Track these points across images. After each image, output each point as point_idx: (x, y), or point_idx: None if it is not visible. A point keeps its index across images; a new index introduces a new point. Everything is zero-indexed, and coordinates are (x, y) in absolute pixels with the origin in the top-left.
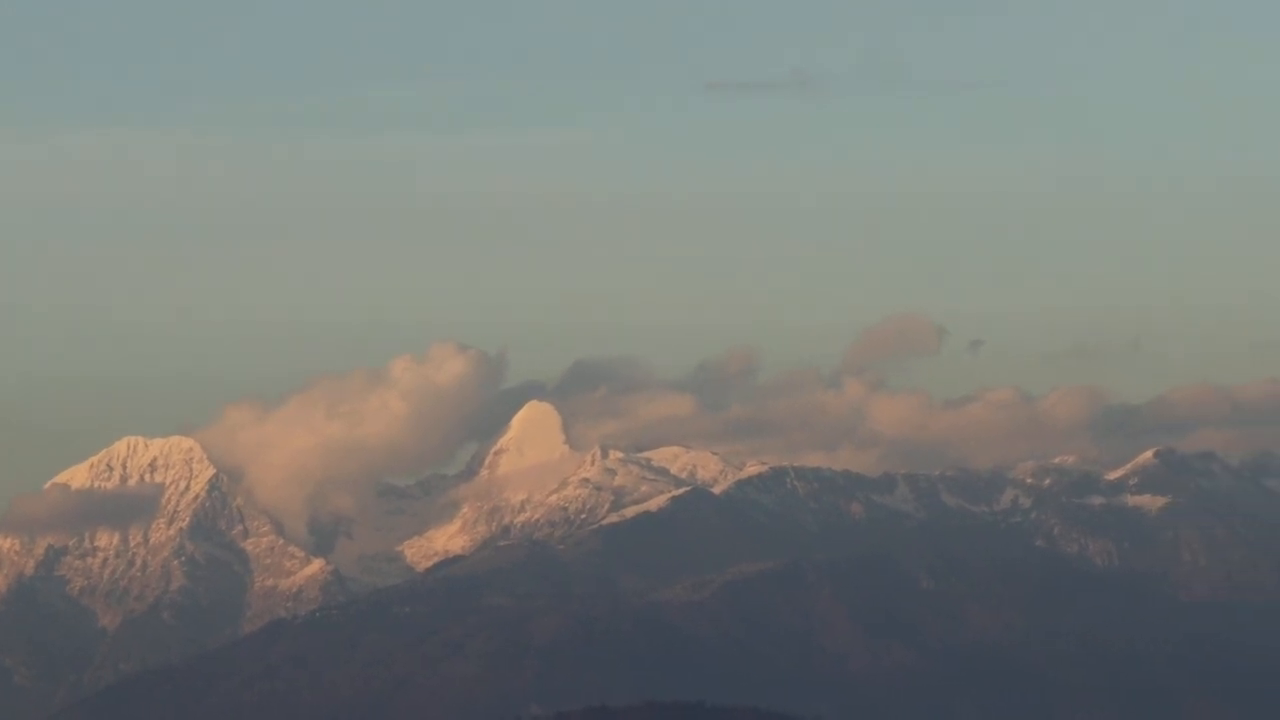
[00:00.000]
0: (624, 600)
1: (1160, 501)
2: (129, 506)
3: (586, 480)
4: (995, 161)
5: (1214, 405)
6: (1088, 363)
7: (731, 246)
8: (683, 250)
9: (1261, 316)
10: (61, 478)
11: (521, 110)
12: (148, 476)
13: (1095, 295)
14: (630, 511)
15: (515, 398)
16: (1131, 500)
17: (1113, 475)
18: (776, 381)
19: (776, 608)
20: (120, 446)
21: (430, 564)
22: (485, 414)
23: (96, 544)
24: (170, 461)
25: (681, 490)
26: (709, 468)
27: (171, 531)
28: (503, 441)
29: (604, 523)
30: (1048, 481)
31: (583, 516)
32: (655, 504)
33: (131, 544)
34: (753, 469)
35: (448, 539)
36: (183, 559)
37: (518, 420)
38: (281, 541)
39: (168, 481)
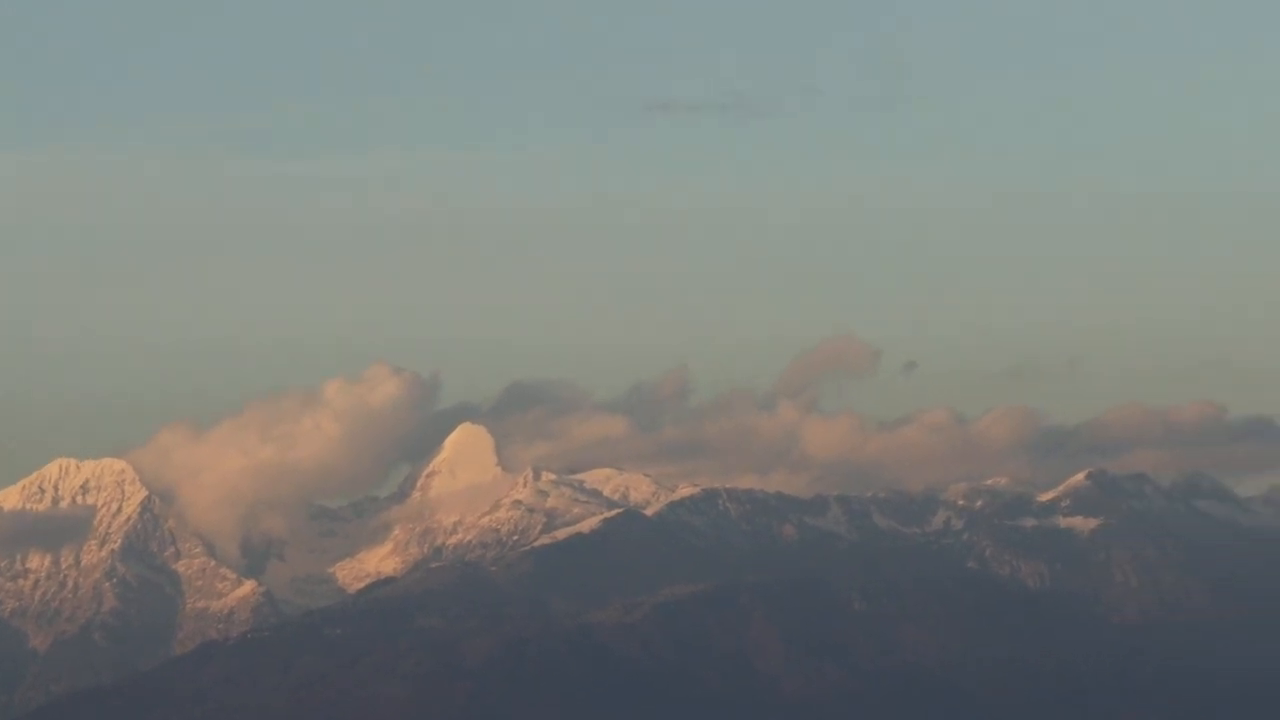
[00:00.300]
0: (556, 622)
1: (1092, 523)
2: (60, 528)
3: (519, 502)
4: (929, 181)
5: (1148, 427)
6: (1022, 384)
7: (666, 268)
8: (618, 272)
9: (1196, 338)
10: None
11: (457, 130)
12: (79, 498)
13: (1030, 317)
14: (562, 533)
15: (449, 420)
16: (1063, 522)
17: (1045, 497)
18: (710, 403)
19: (708, 630)
20: (52, 468)
21: (362, 586)
22: (418, 436)
23: (28, 566)
24: (102, 483)
25: (614, 512)
26: (641, 489)
27: (103, 553)
28: (435, 463)
29: (536, 544)
30: (980, 503)
31: (515, 538)
32: (587, 526)
33: (63, 566)
34: (685, 491)
35: (379, 561)
36: (114, 580)
37: (450, 442)
38: (213, 563)
39: (99, 503)
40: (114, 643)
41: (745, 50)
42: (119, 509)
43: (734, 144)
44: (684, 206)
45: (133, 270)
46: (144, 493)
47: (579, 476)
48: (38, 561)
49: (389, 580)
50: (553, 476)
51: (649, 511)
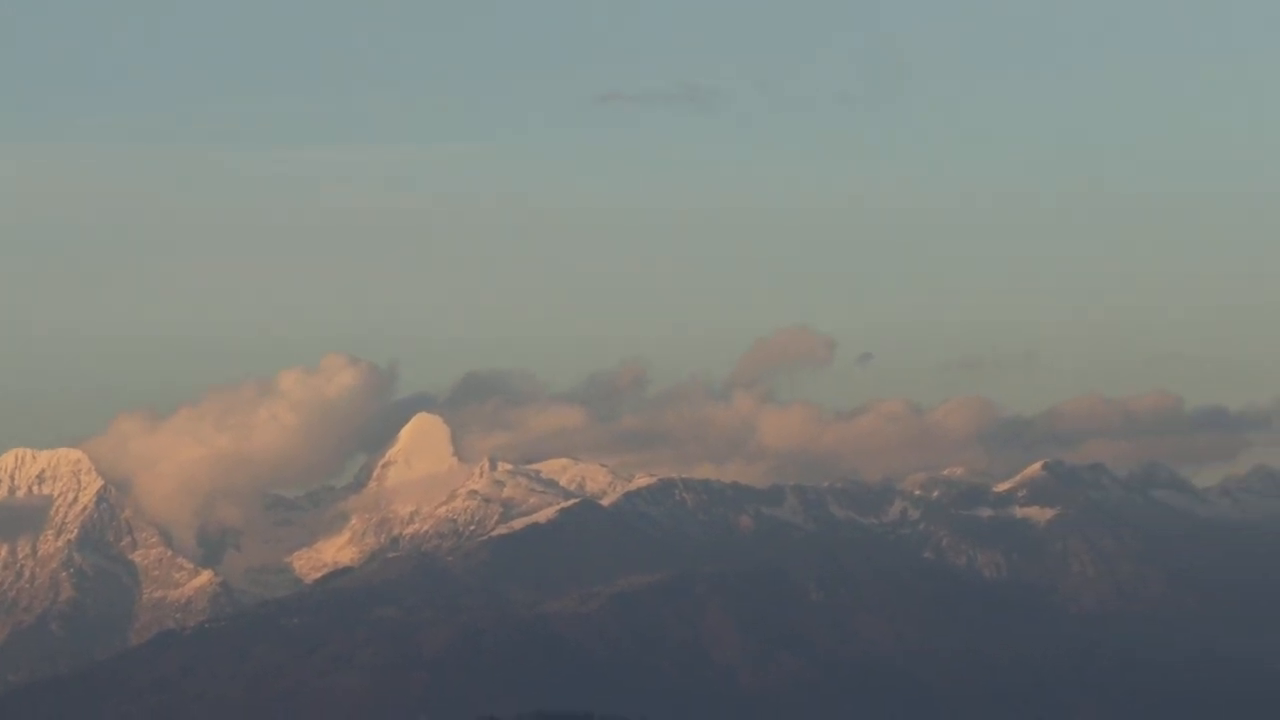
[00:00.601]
0: (512, 612)
1: (1049, 513)
2: (17, 518)
3: (475, 492)
4: (887, 174)
5: (1104, 417)
6: (979, 375)
7: (623, 259)
8: (575, 263)
9: (1152, 329)
10: None
11: (414, 124)
12: (36, 488)
13: (986, 307)
14: (519, 523)
15: (405, 410)
16: (1020, 512)
17: (1001, 487)
18: (667, 394)
19: (665, 619)
20: (8, 458)
21: (318, 575)
22: (375, 426)
23: None
24: (58, 473)
25: (570, 502)
26: (597, 480)
27: (60, 543)
28: (391, 453)
29: (492, 534)
30: (936, 493)
31: (471, 528)
32: (544, 516)
33: (19, 555)
34: (641, 481)
35: (336, 550)
36: (71, 570)
37: (406, 432)
38: (170, 553)
39: (56, 493)
40: (71, 632)
41: (703, 45)
42: (75, 499)
43: (691, 139)
44: (640, 200)
45: (90, 263)
46: (100, 482)
47: (535, 466)
48: None
49: (346, 570)
50: (509, 466)
51: (605, 502)
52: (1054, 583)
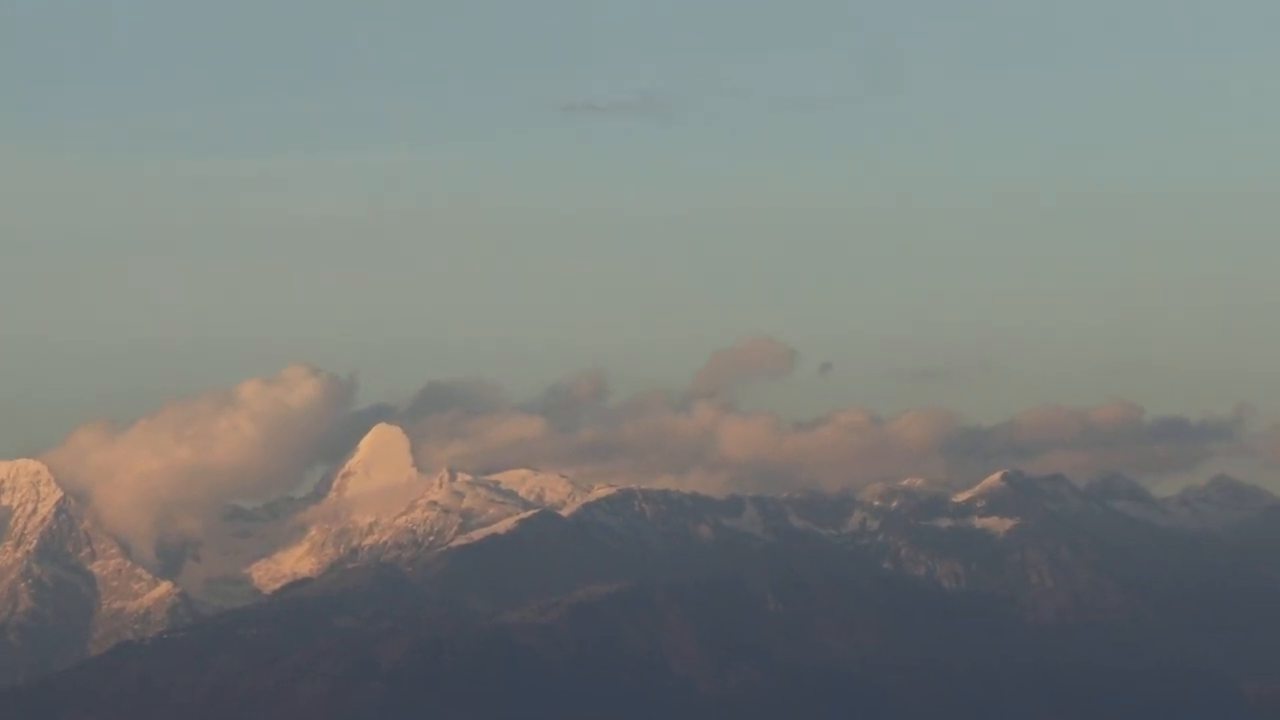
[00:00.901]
0: (471, 622)
1: (1008, 524)
2: None
3: (434, 503)
4: (846, 181)
5: (1064, 427)
6: (938, 385)
7: (583, 268)
8: (536, 273)
9: (1112, 339)
10: None
11: (374, 132)
12: None
13: (946, 317)
14: (478, 534)
15: (365, 420)
16: (979, 522)
17: (960, 497)
18: (627, 404)
19: (624, 630)
20: None
21: (278, 586)
22: (335, 437)
23: None
24: (17, 484)
25: (529, 513)
26: (557, 490)
27: (18, 554)
28: (350, 464)
29: (452, 545)
30: (895, 503)
31: (430, 539)
32: (503, 526)
33: None
34: (600, 491)
35: (295, 561)
36: (30, 581)
37: (365, 443)
38: (129, 564)
39: (14, 504)
40: (29, 643)
41: (664, 52)
42: (34, 510)
43: (652, 146)
44: (601, 208)
45: (48, 270)
46: (59, 493)
47: (495, 477)
48: None
49: (305, 581)
50: (468, 477)
51: (565, 512)
52: (1013, 593)
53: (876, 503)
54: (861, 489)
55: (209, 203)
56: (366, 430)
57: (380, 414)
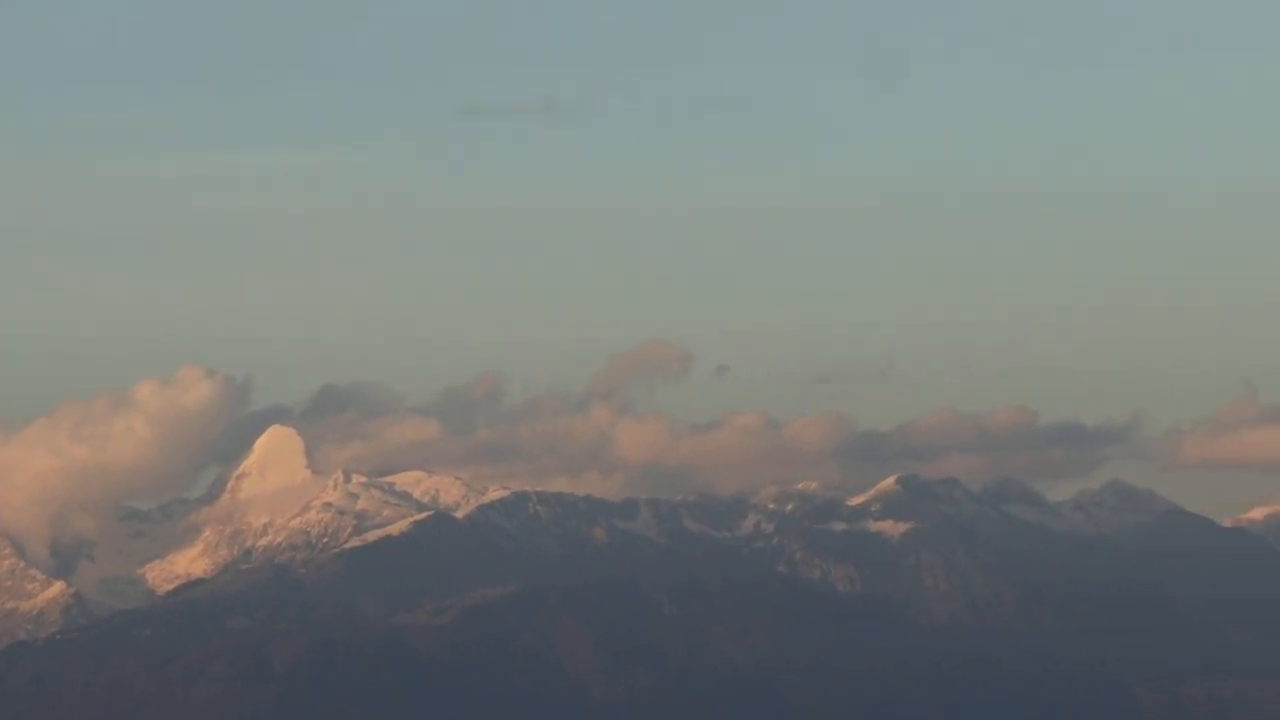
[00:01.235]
0: (365, 624)
1: (902, 527)
2: None
3: (329, 504)
4: (742, 185)
5: (960, 432)
6: (834, 389)
7: (481, 270)
8: (433, 274)
9: (1008, 343)
10: None
11: (272, 134)
12: None
13: (843, 321)
14: (372, 535)
15: (261, 421)
16: (873, 526)
17: (855, 501)
18: (523, 406)
19: (518, 632)
20: None
21: (171, 587)
22: (230, 438)
23: None
24: None
25: (423, 514)
26: (451, 492)
27: None
28: (245, 465)
29: (346, 546)
30: (790, 507)
31: (325, 540)
32: (397, 528)
33: None
34: (495, 493)
35: (189, 562)
36: None
37: (260, 444)
38: (22, 564)
39: None
40: None
41: (563, 58)
42: None
43: (549, 151)
44: (499, 210)
45: None
46: None
47: (389, 479)
48: None
49: (199, 582)
50: (363, 479)
51: (459, 514)
52: (907, 597)
53: (771, 506)
54: (756, 492)
55: (106, 203)
56: (261, 431)
57: (276, 415)
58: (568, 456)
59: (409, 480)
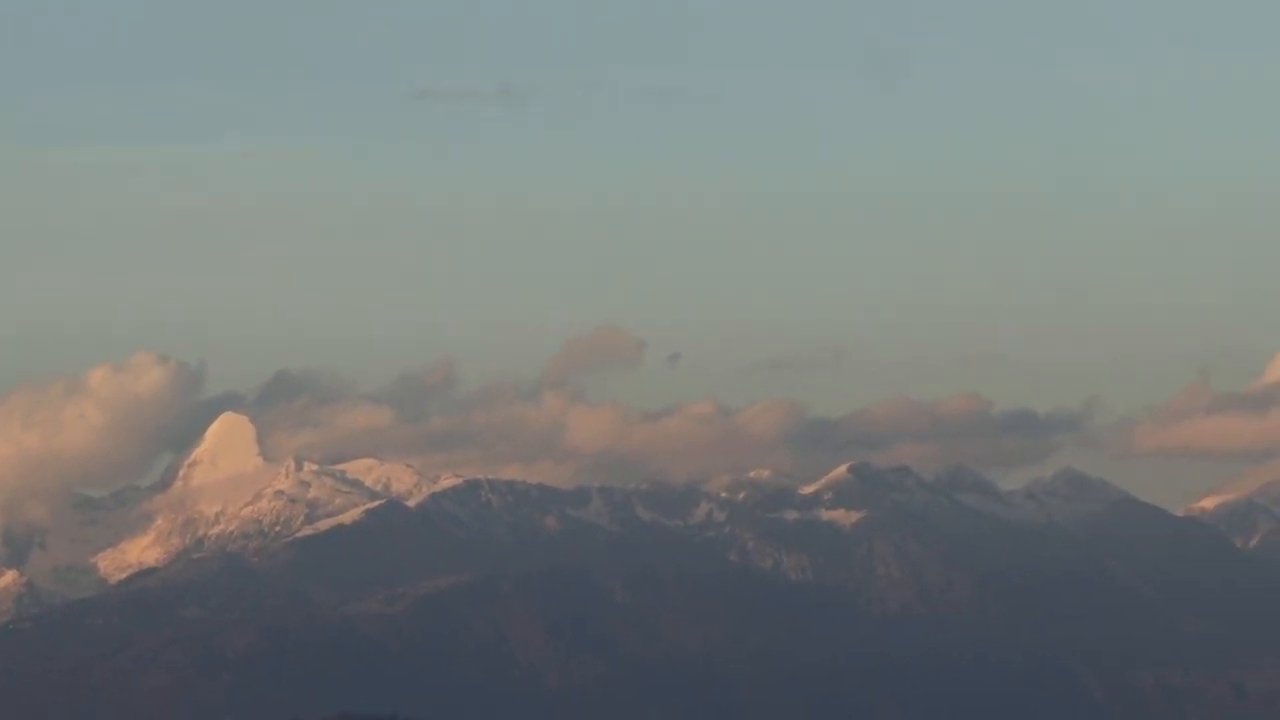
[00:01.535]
0: (317, 613)
1: (854, 516)
2: None
3: (281, 492)
4: (697, 173)
5: (912, 420)
6: (787, 376)
7: (435, 258)
8: (387, 261)
9: (962, 332)
10: None
11: (226, 121)
12: None
13: (796, 310)
14: (324, 524)
15: (214, 409)
16: (825, 514)
17: (807, 489)
18: (476, 394)
19: (470, 621)
20: None
21: (124, 576)
22: (182, 425)
23: None
24: None
25: (376, 503)
26: (403, 480)
27: None
28: (197, 453)
29: (298, 535)
30: (742, 495)
31: (277, 529)
32: (349, 517)
33: None
34: (447, 481)
35: (141, 551)
36: None
37: (212, 432)
38: None
39: None
40: None
41: (518, 44)
42: None
43: (504, 137)
44: (452, 198)
45: None
46: None
47: (341, 467)
48: None
49: (151, 570)
50: (315, 467)
51: (411, 503)
52: (859, 585)
53: (723, 494)
54: (708, 480)
55: (60, 191)
56: (214, 419)
57: (229, 402)
58: (520, 444)
59: (361, 468)
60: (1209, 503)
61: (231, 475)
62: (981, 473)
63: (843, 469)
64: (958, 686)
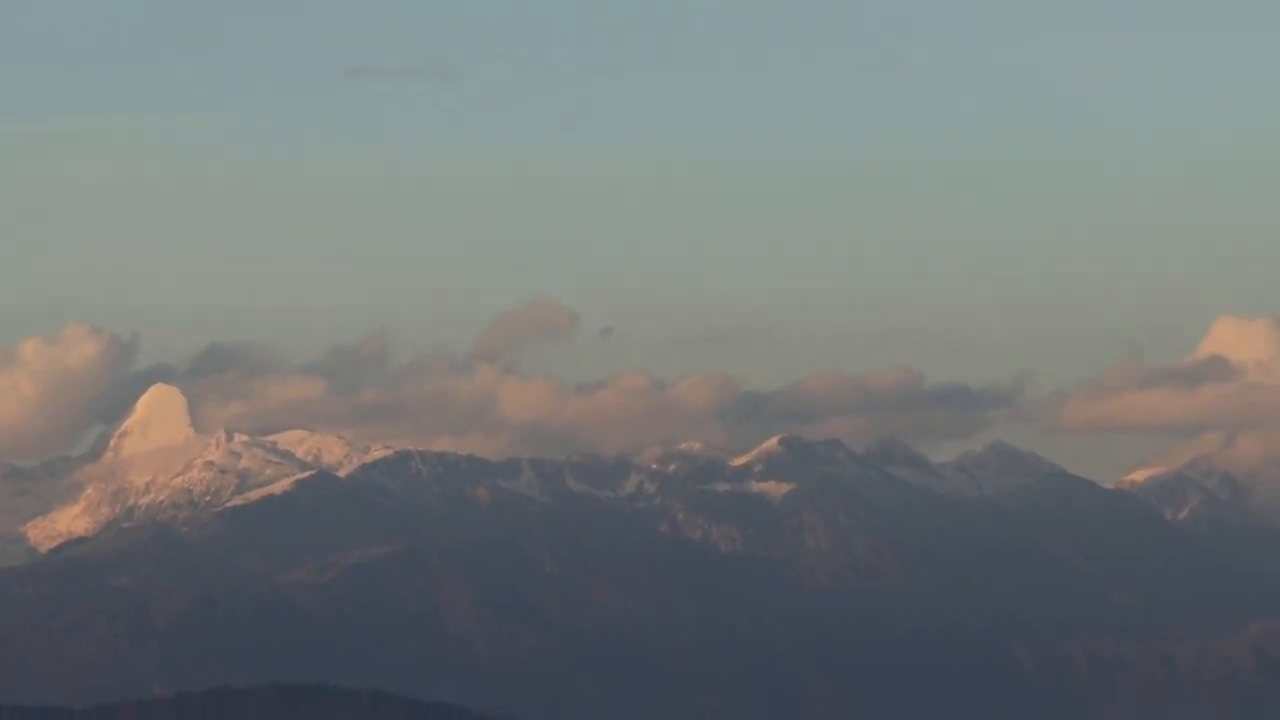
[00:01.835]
0: (247, 583)
1: (785, 488)
2: None
3: (211, 463)
4: (629, 147)
5: (844, 393)
6: (720, 350)
7: (366, 230)
8: (319, 234)
9: (894, 304)
10: None
11: (158, 94)
12: None
13: (728, 283)
14: (255, 494)
15: (145, 380)
16: (756, 487)
17: (738, 462)
18: (408, 366)
19: (400, 591)
20: None
21: (53, 545)
22: (114, 396)
23: None
24: None
25: (306, 474)
26: (334, 451)
27: None
28: (128, 424)
29: (228, 505)
30: (673, 467)
31: (207, 499)
32: (280, 487)
33: None
34: (378, 453)
35: (71, 520)
36: None
37: (143, 403)
38: None
39: None
40: None
41: (450, 19)
42: None
43: (437, 112)
44: (385, 173)
45: None
46: None
47: (272, 438)
48: None
49: (80, 540)
50: (245, 438)
51: (341, 473)
52: (789, 557)
53: (654, 466)
54: (639, 452)
55: None
56: (145, 390)
57: (160, 374)
58: (452, 417)
59: (291, 439)
60: (1139, 475)
61: (162, 446)
62: (912, 446)
63: (774, 441)
64: (888, 658)
